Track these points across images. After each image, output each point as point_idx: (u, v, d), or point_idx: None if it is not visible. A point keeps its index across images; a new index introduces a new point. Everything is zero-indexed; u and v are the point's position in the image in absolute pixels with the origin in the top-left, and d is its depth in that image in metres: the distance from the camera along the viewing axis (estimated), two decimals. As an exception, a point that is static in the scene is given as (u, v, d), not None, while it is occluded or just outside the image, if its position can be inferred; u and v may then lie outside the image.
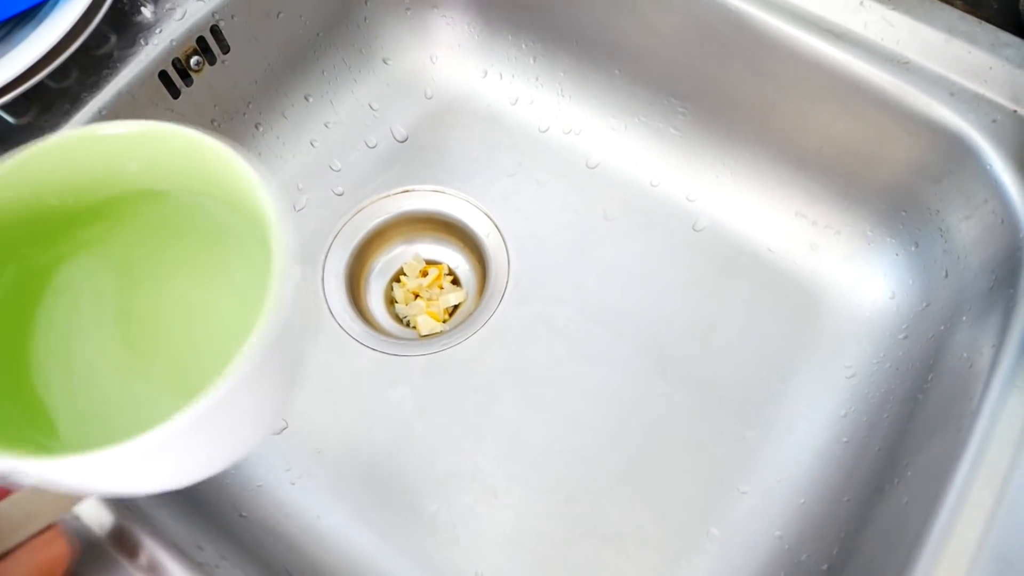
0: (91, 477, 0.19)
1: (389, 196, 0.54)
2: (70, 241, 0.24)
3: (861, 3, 0.44)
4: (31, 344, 0.23)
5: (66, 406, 0.23)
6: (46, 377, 0.23)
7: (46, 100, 0.42)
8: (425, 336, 0.51)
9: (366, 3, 0.55)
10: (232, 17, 0.47)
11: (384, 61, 0.58)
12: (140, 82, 0.44)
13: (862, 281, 0.49)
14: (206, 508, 0.41)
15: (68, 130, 0.23)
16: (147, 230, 0.25)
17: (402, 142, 0.56)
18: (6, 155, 0.22)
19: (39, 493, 0.24)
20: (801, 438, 0.45)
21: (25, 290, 0.24)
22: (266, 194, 0.21)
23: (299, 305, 0.21)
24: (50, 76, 0.39)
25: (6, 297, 0.24)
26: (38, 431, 0.22)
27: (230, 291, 0.24)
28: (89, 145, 0.23)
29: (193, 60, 0.46)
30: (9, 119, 0.41)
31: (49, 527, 0.25)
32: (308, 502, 0.45)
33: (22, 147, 0.22)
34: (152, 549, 0.33)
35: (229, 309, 0.24)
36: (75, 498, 0.25)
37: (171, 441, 0.18)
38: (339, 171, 0.55)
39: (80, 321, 0.24)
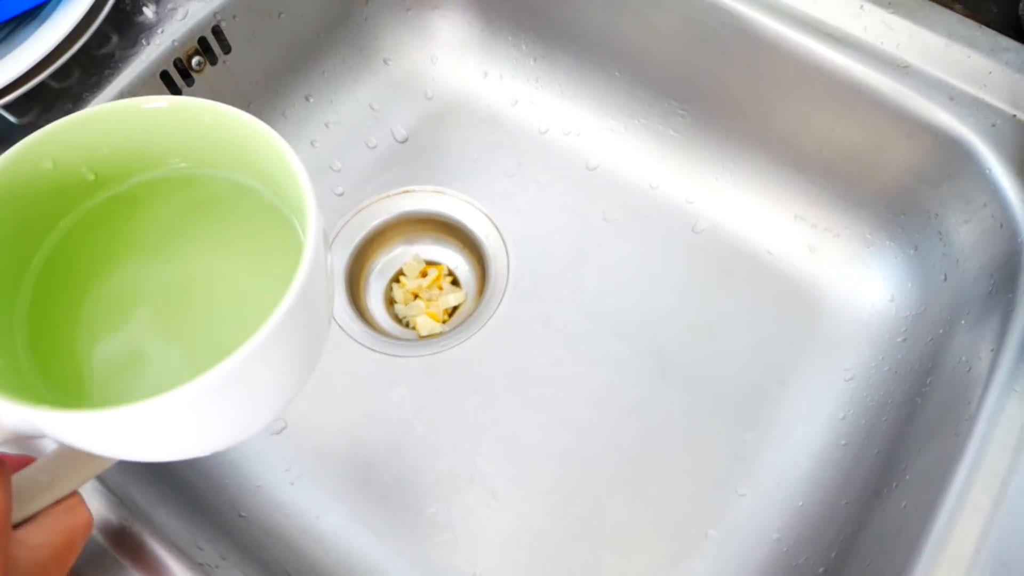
0: (122, 435, 0.20)
1: (389, 196, 0.54)
2: (107, 216, 0.25)
3: (861, 7, 0.44)
4: (66, 311, 0.24)
5: (99, 374, 0.23)
6: (78, 342, 0.24)
7: (48, 100, 0.42)
8: (424, 337, 0.51)
9: (367, 3, 0.55)
10: (234, 17, 0.47)
11: (385, 61, 0.58)
12: (142, 82, 0.44)
13: (861, 284, 0.49)
14: (206, 508, 0.41)
15: (109, 102, 0.23)
16: (181, 202, 0.26)
17: (402, 143, 0.57)
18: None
19: (64, 459, 0.25)
20: (800, 440, 0.46)
21: (63, 258, 0.24)
22: (299, 167, 0.21)
23: (326, 273, 0.22)
24: (52, 76, 0.39)
25: (44, 266, 0.24)
26: (69, 396, 0.23)
27: (259, 265, 0.25)
28: (126, 117, 0.23)
29: (194, 60, 0.46)
30: (11, 118, 0.41)
31: (72, 494, 0.25)
32: (307, 502, 0.45)
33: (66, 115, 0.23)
34: (152, 549, 0.33)
35: (257, 282, 0.25)
36: (99, 465, 0.25)
37: (207, 395, 0.18)
38: (339, 171, 0.55)
39: (112, 291, 0.24)
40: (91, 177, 0.24)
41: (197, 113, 0.23)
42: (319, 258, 0.21)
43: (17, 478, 0.24)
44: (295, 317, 0.19)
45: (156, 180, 0.25)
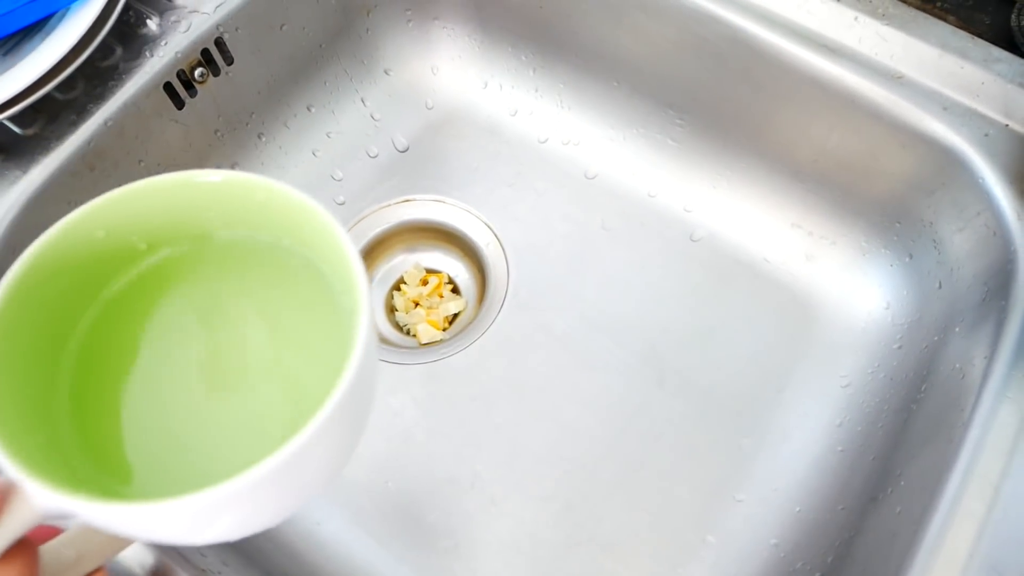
0: (156, 525, 0.19)
1: (390, 205, 0.55)
2: (153, 285, 0.25)
3: (856, 18, 0.45)
4: (110, 387, 0.23)
5: (142, 451, 0.23)
6: (123, 421, 0.23)
7: (53, 111, 0.42)
8: (425, 344, 0.51)
9: (368, 15, 0.56)
10: (236, 29, 0.47)
11: (385, 72, 0.58)
12: (145, 93, 0.44)
13: (857, 291, 0.50)
14: (208, 515, 0.42)
15: (161, 175, 0.23)
16: (230, 277, 0.25)
17: (403, 152, 0.57)
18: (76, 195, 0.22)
19: (91, 534, 0.24)
20: (797, 447, 0.46)
21: (108, 325, 0.24)
22: (350, 247, 0.21)
23: (373, 360, 0.21)
24: (57, 87, 0.39)
25: (89, 334, 0.24)
26: (111, 474, 0.22)
27: (307, 342, 0.24)
28: (179, 190, 0.23)
29: (197, 72, 0.46)
30: (16, 130, 0.41)
31: (98, 569, 0.24)
32: (308, 509, 0.45)
33: (121, 186, 0.22)
34: (155, 555, 0.33)
35: (305, 361, 0.24)
36: (127, 541, 0.24)
37: (237, 496, 0.18)
38: (340, 180, 0.56)
39: (159, 367, 0.24)
40: (143, 246, 0.24)
41: (250, 189, 0.23)
42: (369, 349, 0.20)
43: (42, 552, 0.23)
44: (343, 410, 0.19)
45: (204, 249, 0.25)
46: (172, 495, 0.17)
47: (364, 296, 0.20)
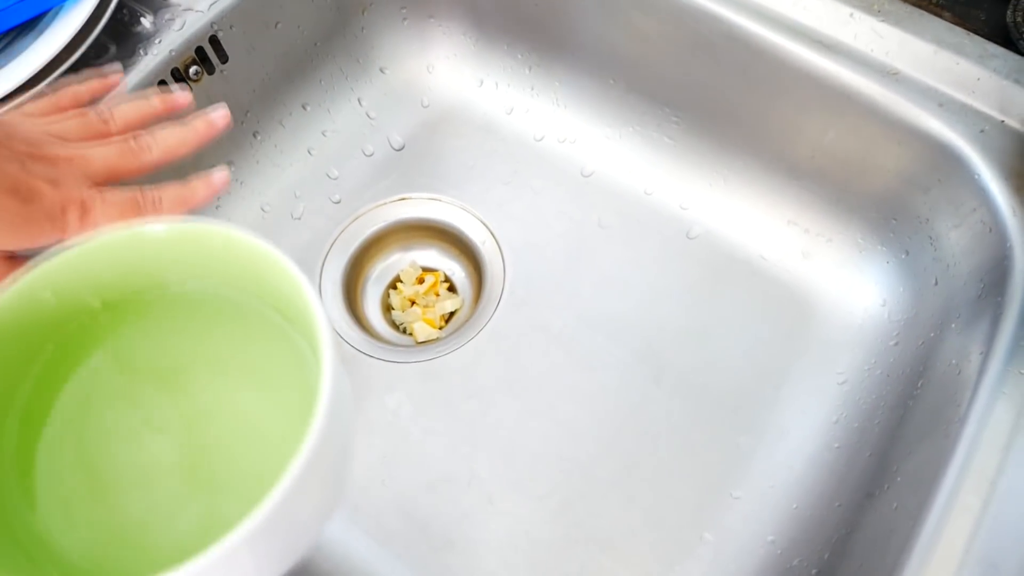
0: None
1: (386, 204, 0.55)
2: (105, 341, 0.24)
3: (851, 15, 0.45)
4: (68, 449, 0.22)
5: (88, 525, 0.22)
6: (72, 495, 0.22)
7: (46, 109, 0.42)
8: (421, 343, 0.51)
9: (363, 13, 0.56)
10: (231, 27, 0.47)
11: (381, 70, 0.58)
12: (139, 92, 0.44)
13: (854, 288, 0.50)
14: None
15: (111, 229, 0.22)
16: (184, 330, 0.24)
17: (399, 150, 0.57)
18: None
19: None
20: (793, 444, 0.46)
21: (65, 391, 0.23)
22: (311, 296, 0.20)
23: (344, 411, 0.20)
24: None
25: (33, 410, 0.22)
26: (55, 557, 0.21)
27: (272, 393, 0.23)
28: (131, 244, 0.22)
29: (192, 70, 0.46)
30: (10, 128, 0.41)
31: None
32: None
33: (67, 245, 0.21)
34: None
35: (273, 412, 0.23)
36: None
37: (224, 561, 0.17)
38: (336, 179, 0.56)
39: (118, 427, 0.23)
40: (96, 304, 0.23)
41: (202, 237, 0.22)
42: (337, 398, 0.19)
43: None
44: (316, 461, 0.18)
45: (161, 304, 0.24)
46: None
47: (328, 350, 0.19)
